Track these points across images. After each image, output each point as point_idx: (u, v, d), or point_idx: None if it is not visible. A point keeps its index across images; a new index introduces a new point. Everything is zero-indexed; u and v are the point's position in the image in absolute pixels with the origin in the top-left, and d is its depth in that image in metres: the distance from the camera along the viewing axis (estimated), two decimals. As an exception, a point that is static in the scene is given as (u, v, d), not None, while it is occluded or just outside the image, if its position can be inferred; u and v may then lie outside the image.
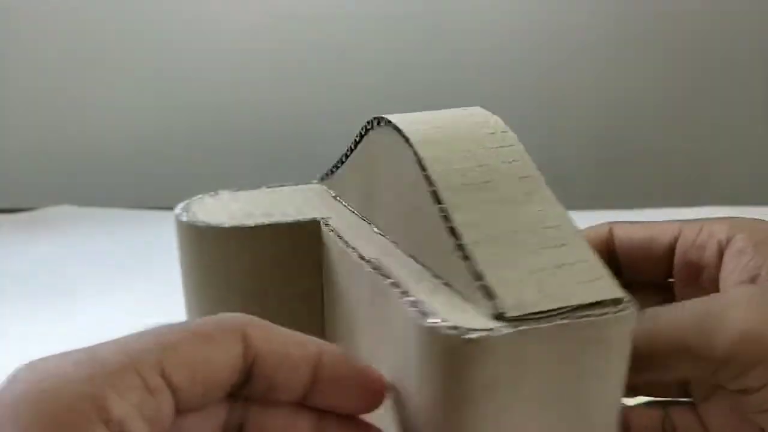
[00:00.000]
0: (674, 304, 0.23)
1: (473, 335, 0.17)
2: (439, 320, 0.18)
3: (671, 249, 0.27)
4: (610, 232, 0.27)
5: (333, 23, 0.79)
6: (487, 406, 0.18)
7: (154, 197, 0.83)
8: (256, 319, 0.19)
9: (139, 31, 0.80)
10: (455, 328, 0.18)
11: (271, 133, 0.82)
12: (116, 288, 0.58)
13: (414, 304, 0.19)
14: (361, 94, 0.80)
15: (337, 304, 0.26)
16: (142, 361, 0.17)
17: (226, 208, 0.28)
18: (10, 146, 0.85)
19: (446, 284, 0.21)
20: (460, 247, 0.20)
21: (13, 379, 0.17)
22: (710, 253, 0.26)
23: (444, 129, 0.23)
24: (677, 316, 0.22)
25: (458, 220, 0.20)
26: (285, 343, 0.19)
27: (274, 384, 0.19)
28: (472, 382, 0.18)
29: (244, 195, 0.30)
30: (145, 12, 0.80)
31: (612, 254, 0.27)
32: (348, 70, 0.80)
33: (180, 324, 0.19)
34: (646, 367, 0.22)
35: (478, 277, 0.19)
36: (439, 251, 0.21)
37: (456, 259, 0.20)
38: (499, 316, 0.18)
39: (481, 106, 0.25)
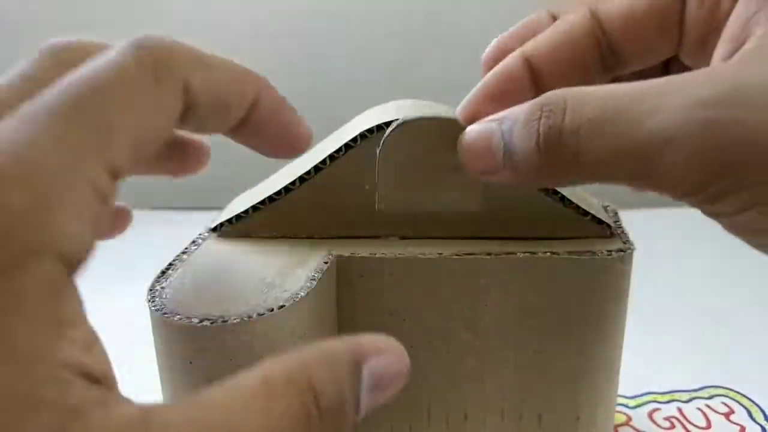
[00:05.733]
0: (600, 87, 0.19)
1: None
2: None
3: (680, 12, 0.21)
4: (594, 17, 0.22)
5: (333, 23, 0.79)
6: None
7: (155, 197, 0.83)
8: (189, 49, 0.17)
9: (140, 31, 0.81)
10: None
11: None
12: (117, 287, 0.58)
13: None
14: (359, 95, 0.80)
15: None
16: (88, 163, 0.14)
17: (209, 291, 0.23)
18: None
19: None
20: (562, 199, 0.26)
21: None
22: (728, 2, 0.20)
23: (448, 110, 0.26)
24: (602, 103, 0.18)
25: None
26: (226, 78, 0.18)
27: (212, 115, 0.18)
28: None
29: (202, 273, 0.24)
30: (146, 12, 0.80)
31: (605, 43, 0.22)
32: (347, 70, 0.80)
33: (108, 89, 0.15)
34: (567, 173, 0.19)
35: (586, 213, 0.26)
36: (537, 209, 0.26)
37: (561, 207, 0.26)
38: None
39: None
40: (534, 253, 0.25)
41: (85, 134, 0.14)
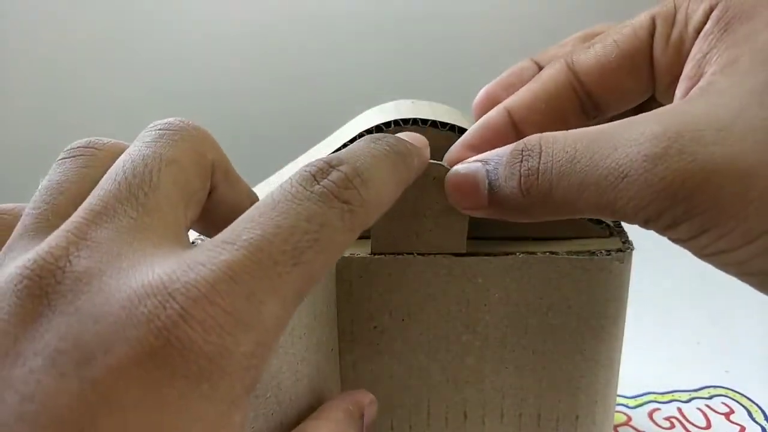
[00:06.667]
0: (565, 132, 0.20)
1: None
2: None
3: (650, 57, 0.22)
4: (570, 69, 0.23)
5: (334, 24, 0.79)
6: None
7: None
8: None
9: (140, 31, 0.81)
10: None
11: (272, 133, 0.82)
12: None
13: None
14: (359, 95, 0.80)
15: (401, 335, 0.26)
16: (293, 312, 0.16)
17: None
18: (11, 146, 0.86)
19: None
20: None
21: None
22: (689, 43, 0.21)
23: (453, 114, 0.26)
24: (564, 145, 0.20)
25: None
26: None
27: None
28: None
29: None
30: (146, 12, 0.80)
31: (583, 93, 0.23)
32: (347, 71, 0.80)
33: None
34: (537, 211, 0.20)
35: (600, 222, 0.26)
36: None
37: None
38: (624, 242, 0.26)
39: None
40: (533, 253, 0.25)
41: (303, 289, 0.16)
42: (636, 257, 0.26)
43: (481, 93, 0.26)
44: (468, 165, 0.22)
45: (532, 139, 0.21)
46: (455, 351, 0.26)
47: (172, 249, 0.16)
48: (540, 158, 0.20)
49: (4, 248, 0.16)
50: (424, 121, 0.25)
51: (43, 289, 0.14)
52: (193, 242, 0.24)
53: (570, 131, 0.20)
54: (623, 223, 0.28)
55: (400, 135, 0.21)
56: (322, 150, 0.26)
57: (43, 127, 0.85)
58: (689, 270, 0.47)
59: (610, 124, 0.19)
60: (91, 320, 0.14)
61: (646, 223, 0.19)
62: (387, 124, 0.25)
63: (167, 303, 0.14)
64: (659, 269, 0.46)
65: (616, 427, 0.35)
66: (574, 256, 0.25)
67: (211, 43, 0.80)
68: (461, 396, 0.27)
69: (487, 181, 0.21)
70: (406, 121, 0.25)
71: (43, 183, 0.18)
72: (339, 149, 0.25)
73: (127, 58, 0.81)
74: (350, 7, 0.79)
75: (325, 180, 0.17)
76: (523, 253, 0.25)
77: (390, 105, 0.27)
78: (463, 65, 0.82)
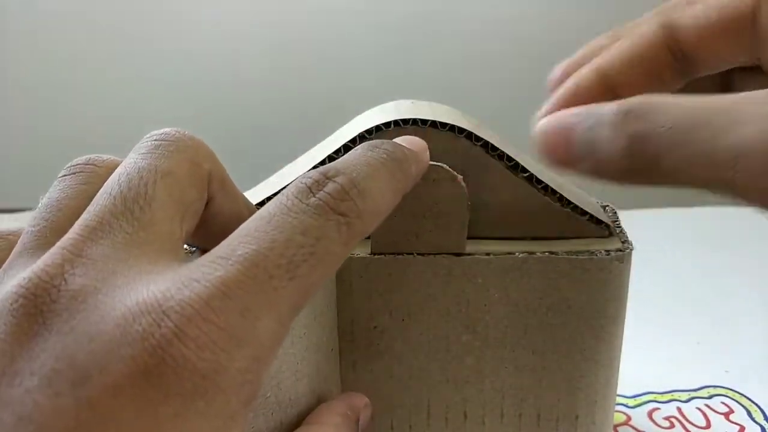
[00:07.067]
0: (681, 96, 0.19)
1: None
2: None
3: (753, 23, 0.21)
4: (665, 27, 0.22)
5: (334, 25, 0.80)
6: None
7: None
8: None
9: (140, 32, 0.81)
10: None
11: (272, 133, 0.82)
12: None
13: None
14: (358, 95, 0.80)
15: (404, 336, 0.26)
16: (289, 327, 0.16)
17: None
18: (11, 146, 0.86)
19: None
20: (561, 198, 0.25)
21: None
22: None
23: (452, 115, 0.26)
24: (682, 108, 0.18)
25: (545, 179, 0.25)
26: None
27: None
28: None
29: None
30: (146, 12, 0.80)
31: (679, 52, 0.22)
32: (346, 71, 0.80)
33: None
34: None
35: (584, 213, 0.26)
36: (535, 209, 0.26)
37: (559, 207, 0.26)
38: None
39: (483, 105, 0.26)
40: (532, 253, 0.25)
41: (299, 302, 0.16)
42: (636, 257, 0.26)
43: (557, 70, 0.24)
44: (560, 120, 0.21)
45: (640, 101, 0.19)
46: (455, 351, 0.26)
47: (168, 264, 0.16)
48: (650, 123, 0.18)
49: (4, 266, 0.16)
50: (424, 122, 0.25)
51: (38, 307, 0.14)
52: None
53: (682, 97, 0.19)
54: (623, 224, 0.28)
55: (400, 139, 0.21)
56: (322, 150, 0.26)
57: (44, 126, 0.85)
58: (689, 270, 0.47)
59: (725, 97, 0.18)
60: (86, 339, 0.14)
61: (763, 206, 0.18)
62: (387, 125, 0.25)
63: (162, 321, 0.14)
64: (659, 269, 0.46)
65: (615, 426, 0.35)
66: (574, 256, 0.25)
67: (213, 43, 0.80)
68: (461, 396, 0.27)
69: (584, 139, 0.20)
70: (405, 121, 0.25)
71: (43, 201, 0.18)
72: (338, 150, 0.25)
73: (127, 58, 0.81)
74: (351, 7, 0.79)
75: (321, 192, 0.17)
76: (522, 253, 0.25)
77: (390, 105, 0.27)
78: (463, 65, 0.82)
